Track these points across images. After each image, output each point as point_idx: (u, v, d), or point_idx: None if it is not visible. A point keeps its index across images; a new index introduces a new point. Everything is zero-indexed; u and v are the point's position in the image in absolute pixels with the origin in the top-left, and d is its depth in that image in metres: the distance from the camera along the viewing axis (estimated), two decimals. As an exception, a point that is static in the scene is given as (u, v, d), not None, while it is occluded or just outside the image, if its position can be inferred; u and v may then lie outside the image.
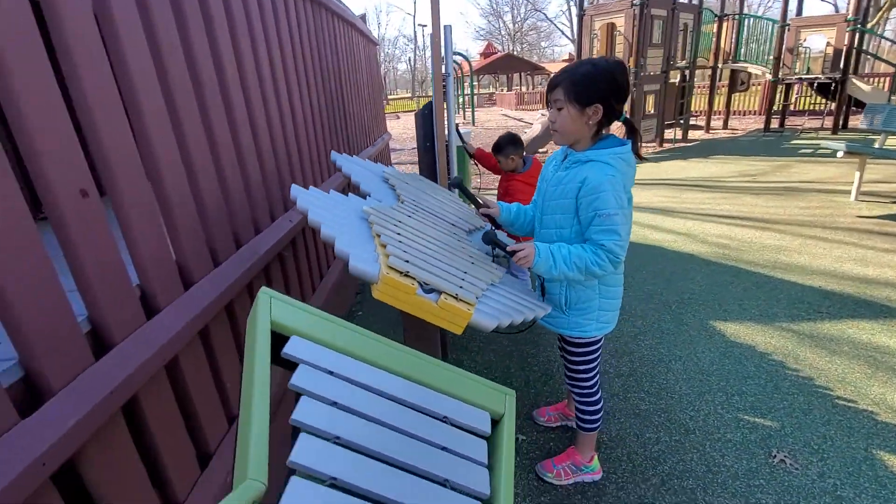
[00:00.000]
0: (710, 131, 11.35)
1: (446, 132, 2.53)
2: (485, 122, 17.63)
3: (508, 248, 1.42)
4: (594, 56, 9.17)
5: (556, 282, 1.53)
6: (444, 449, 0.75)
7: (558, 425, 2.08)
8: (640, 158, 1.49)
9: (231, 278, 1.42)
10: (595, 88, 1.36)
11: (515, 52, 41.42)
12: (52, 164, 0.88)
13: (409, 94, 43.96)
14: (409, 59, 56.82)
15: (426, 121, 2.56)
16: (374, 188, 1.84)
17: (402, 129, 17.77)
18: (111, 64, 1.08)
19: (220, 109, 1.57)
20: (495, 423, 0.86)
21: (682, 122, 10.23)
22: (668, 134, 10.28)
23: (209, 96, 1.50)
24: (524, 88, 33.52)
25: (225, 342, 1.47)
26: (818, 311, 2.88)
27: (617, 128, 1.49)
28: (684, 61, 9.81)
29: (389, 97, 40.08)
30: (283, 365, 0.76)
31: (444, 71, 2.44)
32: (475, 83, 35.23)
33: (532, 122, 8.79)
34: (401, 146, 12.80)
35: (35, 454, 0.77)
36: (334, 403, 0.70)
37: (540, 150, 7.74)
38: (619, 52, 8.81)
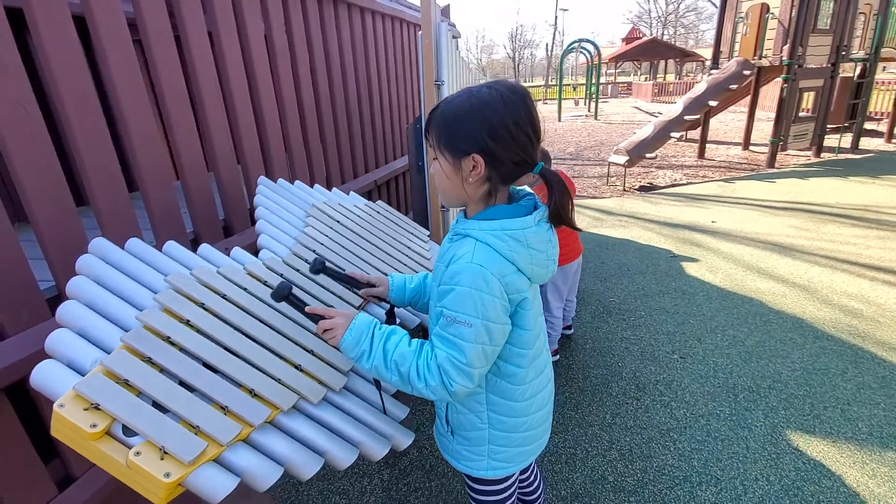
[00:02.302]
0: (895, 141, 8.89)
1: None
2: (609, 116, 16.18)
3: (308, 310, 0.98)
4: (738, 45, 7.68)
5: None
6: None
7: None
8: (573, 228, 0.96)
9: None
10: (466, 131, 0.87)
11: (665, 37, 37.46)
12: None
13: (543, 83, 42.49)
14: (547, 46, 54.83)
15: (417, 135, 2.15)
16: (281, 237, 1.51)
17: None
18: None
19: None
20: None
21: (853, 127, 8.14)
22: (832, 141, 8.27)
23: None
24: (671, 77, 30.20)
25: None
26: (977, 448, 1.90)
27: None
28: (862, 51, 7.73)
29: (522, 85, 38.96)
30: None
31: (435, 77, 2.00)
32: (608, 72, 32.68)
33: (652, 118, 7.54)
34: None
35: None
36: None
37: (648, 155, 6.69)
38: (771, 38, 7.21)
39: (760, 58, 7.37)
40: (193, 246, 1.71)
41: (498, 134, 0.85)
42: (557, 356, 2.67)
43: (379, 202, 1.97)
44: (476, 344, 0.88)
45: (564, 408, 2.29)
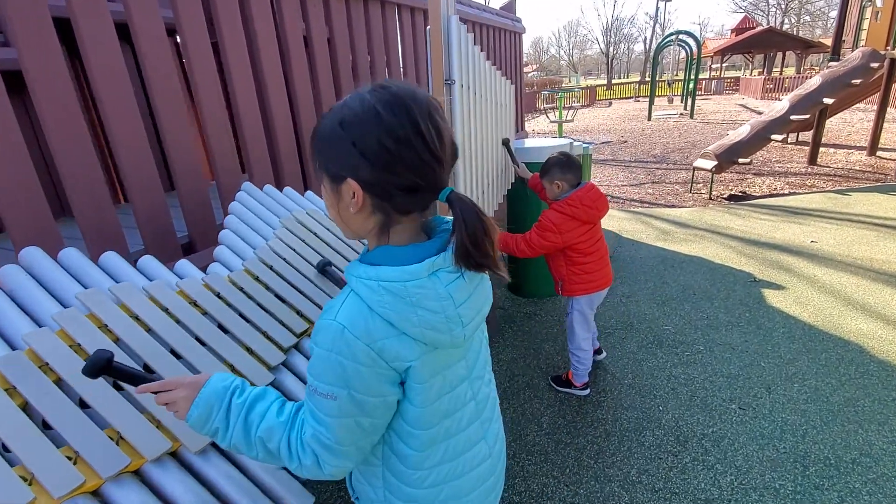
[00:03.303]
0: None
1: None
2: (708, 115, 14.76)
3: (138, 390, 0.76)
4: (864, 32, 6.54)
5: None
6: None
7: None
8: (497, 275, 0.73)
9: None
10: (336, 152, 0.67)
11: (786, 27, 33.52)
12: None
13: (638, 79, 40.09)
14: (645, 39, 51.62)
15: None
16: (243, 249, 1.40)
17: (602, 118, 16.20)
18: None
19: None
20: None
21: None
22: None
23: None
24: (789, 71, 26.96)
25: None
26: None
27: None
28: None
29: (614, 82, 37.19)
30: None
31: (446, 76, 1.79)
32: (714, 66, 29.86)
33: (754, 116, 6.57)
34: (590, 139, 11.60)
35: None
36: None
37: (741, 160, 5.89)
38: (911, 24, 6.02)
39: (895, 48, 6.20)
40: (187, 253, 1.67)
41: (373, 155, 0.64)
42: (588, 390, 2.35)
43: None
44: (344, 418, 0.68)
45: (583, 454, 1.98)
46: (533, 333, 2.91)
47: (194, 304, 1.15)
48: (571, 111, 13.76)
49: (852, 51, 6.75)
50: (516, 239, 2.18)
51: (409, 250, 0.70)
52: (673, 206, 5.66)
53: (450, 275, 0.70)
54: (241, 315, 1.20)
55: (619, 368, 2.53)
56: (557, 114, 12.64)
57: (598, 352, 2.55)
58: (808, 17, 41.63)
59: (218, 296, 1.19)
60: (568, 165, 2.11)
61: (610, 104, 23.17)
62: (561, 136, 12.04)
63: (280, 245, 1.43)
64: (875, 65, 6.27)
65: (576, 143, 3.74)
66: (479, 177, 2.15)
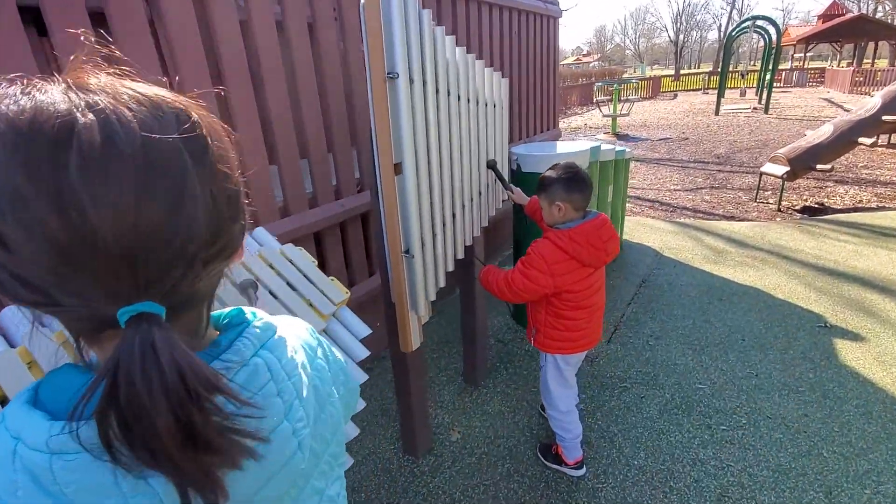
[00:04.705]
0: None
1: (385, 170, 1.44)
2: (786, 109, 13.26)
3: None
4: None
5: None
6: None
7: None
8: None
9: None
10: None
11: (878, 14, 29.86)
12: None
13: (710, 70, 37.35)
14: (720, 27, 48.00)
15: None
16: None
17: (664, 111, 14.98)
18: None
19: None
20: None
21: None
22: None
23: None
24: (882, 63, 24.01)
25: None
26: None
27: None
28: None
29: (682, 73, 34.76)
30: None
31: (386, 69, 1.34)
32: (797, 56, 26.95)
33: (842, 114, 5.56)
34: (646, 135, 10.68)
35: None
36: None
37: (819, 167, 4.98)
38: None
39: None
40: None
41: None
42: (583, 469, 1.84)
43: (299, 250, 1.39)
44: None
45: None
46: (532, 378, 2.41)
47: None
48: (627, 104, 12.75)
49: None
50: (497, 276, 1.70)
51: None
52: (732, 219, 4.89)
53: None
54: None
55: (631, 441, 1.99)
56: (612, 107, 11.74)
57: None
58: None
59: None
60: (574, 182, 1.59)
61: (675, 96, 21.55)
62: (615, 132, 11.17)
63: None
64: None
65: (605, 147, 3.16)
66: (447, 199, 1.69)
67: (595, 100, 15.77)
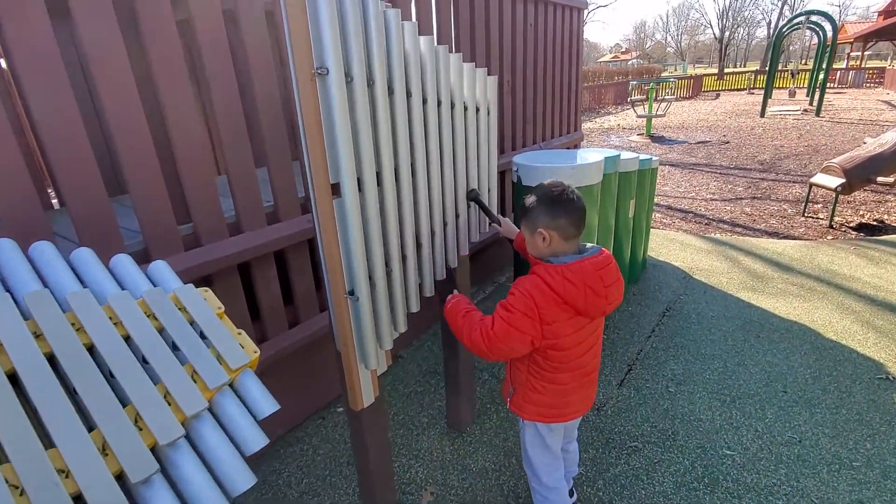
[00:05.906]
0: None
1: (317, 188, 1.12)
2: (840, 112, 12.28)
3: None
4: None
5: None
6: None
7: None
8: None
9: None
10: None
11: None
12: None
13: (756, 68, 35.54)
14: (770, 23, 45.60)
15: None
16: None
17: (704, 112, 14.16)
18: None
19: None
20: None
21: None
22: None
23: None
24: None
25: None
26: None
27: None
28: None
29: (726, 71, 33.13)
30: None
31: (316, 62, 1.02)
32: (854, 54, 25.12)
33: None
34: (683, 138, 10.05)
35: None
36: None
37: (880, 179, 4.39)
38: None
39: None
40: None
41: None
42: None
43: (201, 291, 1.09)
44: None
45: None
46: (526, 427, 2.06)
47: None
48: (663, 104, 12.06)
49: None
50: (471, 322, 1.34)
51: None
52: (775, 235, 4.37)
53: None
54: None
55: (637, 522, 1.62)
56: (646, 107, 11.12)
57: (570, 492, 1.62)
58: None
59: None
60: (559, 203, 1.23)
61: (717, 96, 20.48)
62: (649, 133, 10.54)
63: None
64: None
65: (625, 156, 2.75)
66: (409, 226, 1.36)
67: (629, 99, 15.05)
